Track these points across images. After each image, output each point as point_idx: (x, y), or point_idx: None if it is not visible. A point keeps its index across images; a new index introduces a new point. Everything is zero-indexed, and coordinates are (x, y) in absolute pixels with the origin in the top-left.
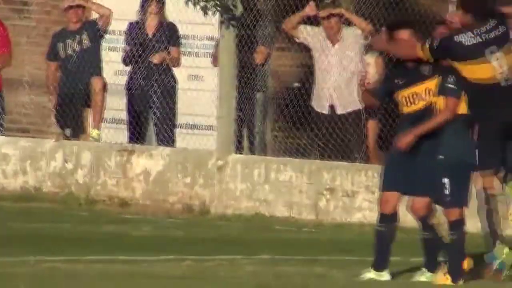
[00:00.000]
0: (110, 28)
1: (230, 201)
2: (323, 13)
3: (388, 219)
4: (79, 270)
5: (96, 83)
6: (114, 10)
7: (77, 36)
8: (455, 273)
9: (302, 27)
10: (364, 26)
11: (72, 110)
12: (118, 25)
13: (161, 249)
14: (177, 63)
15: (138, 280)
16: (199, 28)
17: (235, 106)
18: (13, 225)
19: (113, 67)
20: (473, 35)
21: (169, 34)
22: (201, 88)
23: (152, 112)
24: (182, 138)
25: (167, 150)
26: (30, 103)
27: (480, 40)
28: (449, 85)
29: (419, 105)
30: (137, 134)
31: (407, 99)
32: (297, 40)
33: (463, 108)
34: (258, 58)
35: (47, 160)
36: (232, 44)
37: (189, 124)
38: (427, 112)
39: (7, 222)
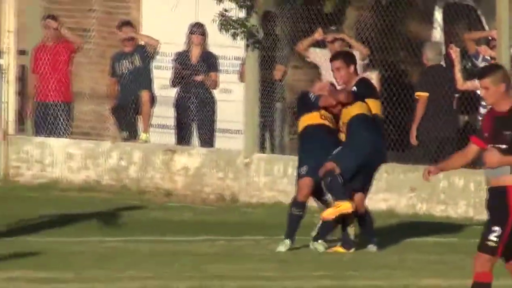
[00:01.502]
0: (159, 50)
1: (255, 191)
2: (328, 38)
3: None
4: (132, 248)
5: (144, 96)
6: (161, 35)
7: (130, 57)
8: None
9: (312, 49)
10: (362, 49)
11: (126, 117)
12: (165, 48)
13: (199, 231)
14: (216, 85)
15: (180, 256)
16: (229, 50)
17: (259, 114)
18: (78, 211)
19: (160, 82)
20: None
21: (210, 62)
22: (230, 99)
23: (195, 122)
24: (216, 140)
25: (203, 150)
26: (91, 111)
27: None
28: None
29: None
30: (181, 137)
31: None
32: (308, 59)
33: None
34: (277, 74)
35: (105, 158)
36: (256, 63)
37: (221, 128)
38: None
39: (73, 209)
